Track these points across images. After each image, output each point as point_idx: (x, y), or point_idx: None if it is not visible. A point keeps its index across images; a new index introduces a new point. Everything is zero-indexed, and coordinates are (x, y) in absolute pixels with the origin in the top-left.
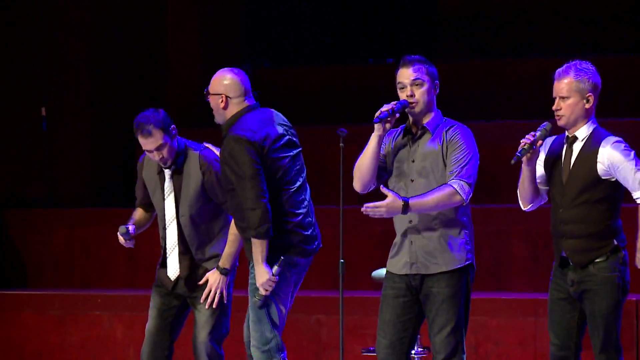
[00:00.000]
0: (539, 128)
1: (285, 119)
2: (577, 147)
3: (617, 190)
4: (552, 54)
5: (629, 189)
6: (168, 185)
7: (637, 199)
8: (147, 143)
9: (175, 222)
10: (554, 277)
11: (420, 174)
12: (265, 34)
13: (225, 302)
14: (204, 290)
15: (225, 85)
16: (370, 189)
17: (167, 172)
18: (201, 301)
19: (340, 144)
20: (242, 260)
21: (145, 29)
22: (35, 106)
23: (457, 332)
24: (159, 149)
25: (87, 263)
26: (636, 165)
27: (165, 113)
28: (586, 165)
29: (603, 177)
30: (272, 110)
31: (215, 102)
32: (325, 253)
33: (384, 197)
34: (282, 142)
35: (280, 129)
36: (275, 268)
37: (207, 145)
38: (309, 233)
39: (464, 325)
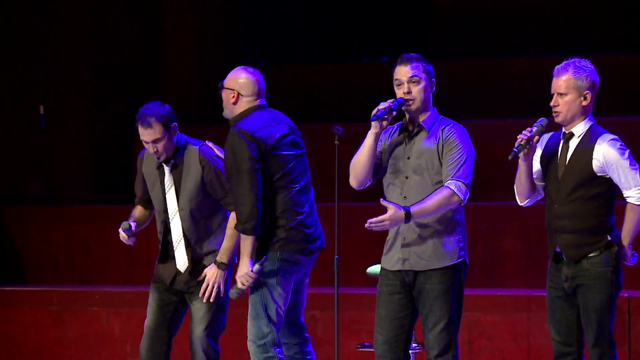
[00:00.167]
0: (535, 124)
1: (291, 121)
2: (573, 143)
3: (611, 187)
4: (546, 53)
5: (620, 187)
6: (168, 179)
7: (627, 197)
8: (145, 134)
9: (178, 215)
10: (549, 274)
11: (415, 171)
12: (262, 33)
13: (222, 296)
14: (201, 286)
15: (239, 82)
16: (366, 185)
17: (167, 167)
18: (199, 295)
19: (336, 142)
20: None
21: (144, 28)
22: (36, 104)
23: (451, 328)
24: (155, 142)
25: (86, 260)
26: (630, 164)
27: (171, 109)
28: (582, 161)
29: (598, 174)
30: (280, 112)
31: (226, 97)
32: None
33: (385, 211)
34: (286, 140)
35: (285, 128)
36: (257, 266)
37: (208, 143)
38: (311, 231)
39: (457, 322)
